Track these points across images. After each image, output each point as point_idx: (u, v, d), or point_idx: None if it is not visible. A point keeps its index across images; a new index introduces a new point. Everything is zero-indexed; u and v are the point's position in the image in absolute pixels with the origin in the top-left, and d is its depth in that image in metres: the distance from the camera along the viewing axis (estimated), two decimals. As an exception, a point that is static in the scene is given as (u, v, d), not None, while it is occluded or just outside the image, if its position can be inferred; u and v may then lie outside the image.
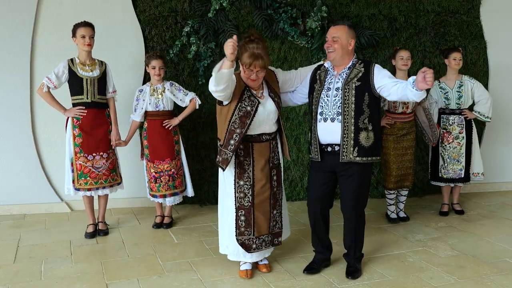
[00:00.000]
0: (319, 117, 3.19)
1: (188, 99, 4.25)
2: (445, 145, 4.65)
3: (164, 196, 4.26)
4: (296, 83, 3.40)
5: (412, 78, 2.90)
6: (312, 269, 3.37)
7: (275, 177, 3.30)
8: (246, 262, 3.32)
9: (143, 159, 4.32)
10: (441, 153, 4.67)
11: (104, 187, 4.07)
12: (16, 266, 3.46)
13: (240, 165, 3.18)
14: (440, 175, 4.70)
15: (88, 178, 3.98)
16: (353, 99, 3.10)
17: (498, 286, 3.16)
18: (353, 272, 3.32)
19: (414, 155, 4.46)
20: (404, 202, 4.62)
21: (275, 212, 3.31)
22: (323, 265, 3.43)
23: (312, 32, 5.00)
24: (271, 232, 3.31)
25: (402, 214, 4.60)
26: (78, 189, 4.01)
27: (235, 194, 3.19)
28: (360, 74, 3.13)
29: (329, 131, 3.15)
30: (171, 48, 4.84)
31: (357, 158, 3.12)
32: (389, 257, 3.65)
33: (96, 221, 4.21)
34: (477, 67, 5.58)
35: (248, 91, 3.13)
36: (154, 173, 4.21)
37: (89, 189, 4.01)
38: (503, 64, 5.65)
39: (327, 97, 3.17)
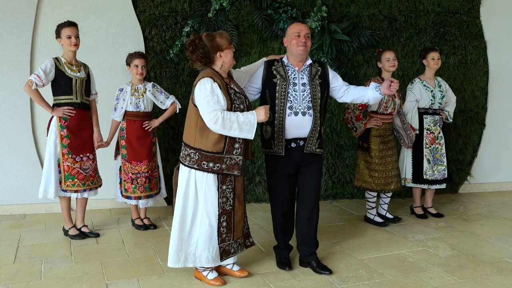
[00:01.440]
0: (288, 111, 3.24)
1: (169, 102, 4.26)
2: (429, 146, 4.57)
3: (139, 198, 4.22)
4: (244, 82, 3.36)
5: (373, 84, 3.33)
6: (289, 264, 3.41)
7: (244, 177, 3.30)
8: (212, 271, 3.19)
9: (116, 159, 4.28)
10: (425, 155, 4.55)
11: (90, 189, 4.04)
12: (16, 266, 3.46)
13: (240, 170, 3.04)
14: (425, 177, 4.56)
15: (76, 179, 3.94)
16: (319, 94, 3.27)
17: (498, 286, 3.16)
18: (324, 265, 3.38)
19: (397, 156, 4.44)
20: (388, 203, 4.56)
21: (245, 213, 3.31)
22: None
23: (312, 32, 5.00)
24: (243, 234, 3.29)
25: (389, 215, 4.54)
26: (65, 190, 3.95)
27: (218, 200, 3.05)
28: (319, 73, 3.32)
29: (300, 125, 3.24)
30: (171, 48, 4.84)
31: (317, 150, 3.30)
32: (389, 257, 3.66)
33: (79, 227, 4.12)
34: (477, 67, 5.58)
35: (231, 88, 3.05)
36: (131, 174, 4.18)
37: (76, 191, 3.97)
38: (503, 64, 5.65)
39: (294, 92, 3.25)
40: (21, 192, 4.71)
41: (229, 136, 2.97)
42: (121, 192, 4.26)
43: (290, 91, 3.25)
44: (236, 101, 3.01)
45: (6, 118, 4.62)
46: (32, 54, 4.62)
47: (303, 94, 3.25)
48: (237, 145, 3.00)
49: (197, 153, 3.00)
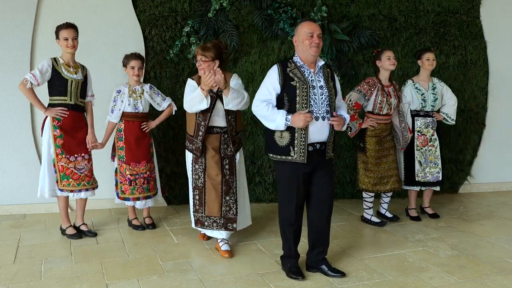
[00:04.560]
0: None
1: (165, 104, 4.27)
2: (421, 148, 4.53)
3: (137, 199, 4.21)
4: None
5: (346, 117, 3.26)
6: (301, 273, 3.26)
7: (227, 166, 3.69)
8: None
9: (114, 161, 4.26)
10: (417, 157, 4.52)
11: (87, 189, 4.04)
12: (16, 266, 3.46)
13: (198, 151, 3.67)
14: (417, 179, 4.54)
15: (71, 179, 3.95)
16: (334, 97, 3.20)
17: (498, 286, 3.16)
18: (336, 269, 3.31)
19: (396, 156, 4.42)
20: (388, 203, 4.57)
21: (227, 198, 3.65)
22: None
23: (312, 32, 5.00)
24: (224, 216, 3.64)
25: (389, 215, 4.55)
26: (61, 190, 3.96)
27: (192, 176, 3.72)
28: (330, 74, 3.24)
29: (320, 130, 3.13)
30: (171, 48, 4.84)
31: (332, 154, 3.24)
32: (389, 257, 3.66)
33: (78, 225, 4.15)
34: (477, 67, 5.58)
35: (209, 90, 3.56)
36: (129, 176, 4.16)
37: (71, 191, 3.98)
38: (503, 64, 5.65)
39: (314, 95, 3.12)
40: (21, 192, 4.71)
41: (196, 125, 3.64)
42: (117, 194, 4.23)
43: (311, 94, 3.10)
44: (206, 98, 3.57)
45: (6, 118, 4.62)
46: (32, 54, 4.62)
47: (322, 98, 3.13)
48: (200, 133, 3.63)
49: (186, 136, 3.76)
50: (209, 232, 3.79)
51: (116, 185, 4.24)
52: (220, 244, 3.70)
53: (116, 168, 4.23)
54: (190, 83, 3.64)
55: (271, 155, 3.23)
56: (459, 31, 5.47)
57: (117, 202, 4.29)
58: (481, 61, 5.59)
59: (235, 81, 3.66)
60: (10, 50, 4.57)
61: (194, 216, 3.73)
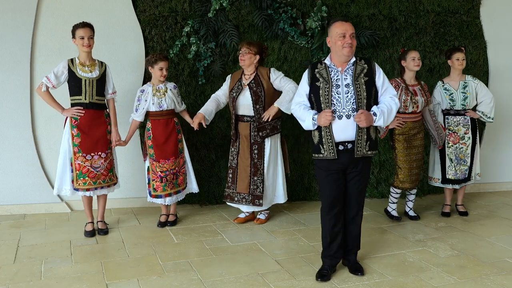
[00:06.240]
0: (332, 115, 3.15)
1: (184, 107, 4.43)
2: (451, 146, 4.60)
3: (169, 195, 4.28)
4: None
5: (377, 111, 3.14)
6: (325, 277, 3.26)
7: (256, 151, 4.25)
8: (242, 212, 4.46)
9: (146, 159, 4.34)
10: (448, 155, 4.61)
11: (102, 187, 4.08)
12: (16, 266, 3.46)
13: (233, 136, 4.32)
14: (447, 177, 4.63)
15: (87, 178, 3.99)
16: (365, 94, 3.14)
17: (498, 286, 3.16)
18: (360, 267, 3.35)
19: (423, 154, 4.49)
20: (413, 201, 4.63)
21: (255, 178, 4.26)
22: (332, 271, 3.35)
23: (312, 32, 5.00)
24: (252, 193, 4.26)
25: (412, 213, 4.61)
26: (77, 189, 4.01)
27: (229, 157, 4.41)
28: (365, 70, 3.18)
29: (345, 128, 3.13)
30: (171, 48, 4.84)
31: (369, 152, 3.19)
32: (389, 257, 3.66)
33: (95, 221, 4.23)
34: (477, 67, 5.57)
35: (239, 81, 4.26)
36: (160, 173, 4.22)
37: (87, 189, 4.03)
38: (503, 64, 5.65)
39: (337, 94, 3.14)
40: (21, 192, 4.71)
41: (231, 113, 4.35)
42: (149, 192, 4.30)
43: (333, 93, 3.12)
44: (233, 89, 4.28)
45: (6, 118, 4.62)
46: (32, 54, 4.62)
47: (347, 96, 3.13)
48: (233, 121, 4.31)
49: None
50: (238, 206, 4.39)
51: (149, 183, 4.31)
52: (258, 215, 4.46)
53: (148, 166, 4.31)
54: (226, 78, 4.43)
55: (312, 154, 3.34)
56: (459, 31, 5.46)
57: (149, 200, 4.36)
58: (481, 61, 5.59)
59: (276, 74, 4.20)
60: (10, 50, 4.57)
61: (225, 192, 4.39)
